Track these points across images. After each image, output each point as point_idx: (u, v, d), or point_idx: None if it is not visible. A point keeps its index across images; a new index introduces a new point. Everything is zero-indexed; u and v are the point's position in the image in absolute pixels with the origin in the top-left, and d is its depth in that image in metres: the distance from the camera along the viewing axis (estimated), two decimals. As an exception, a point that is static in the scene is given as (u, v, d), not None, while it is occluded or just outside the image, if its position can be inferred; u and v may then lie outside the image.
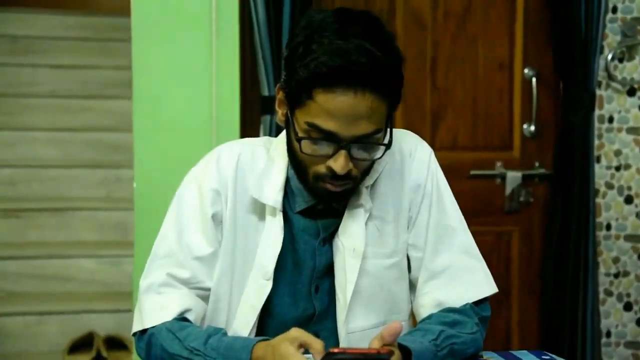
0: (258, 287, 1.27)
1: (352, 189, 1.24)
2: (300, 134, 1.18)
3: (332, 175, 1.19)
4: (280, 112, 1.26)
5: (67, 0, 4.57)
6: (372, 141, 1.18)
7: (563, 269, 2.56)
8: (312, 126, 1.16)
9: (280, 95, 1.25)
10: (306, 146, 1.18)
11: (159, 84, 2.31)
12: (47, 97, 3.84)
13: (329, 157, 1.18)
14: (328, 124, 1.15)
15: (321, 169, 1.20)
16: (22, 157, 3.63)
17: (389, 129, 1.21)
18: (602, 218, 2.69)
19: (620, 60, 2.68)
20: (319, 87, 1.13)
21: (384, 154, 1.21)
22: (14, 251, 3.24)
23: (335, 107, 1.13)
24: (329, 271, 1.31)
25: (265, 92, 2.34)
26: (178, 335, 1.20)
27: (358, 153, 1.18)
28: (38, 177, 3.52)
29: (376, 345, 1.07)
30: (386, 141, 1.20)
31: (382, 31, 1.17)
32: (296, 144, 1.19)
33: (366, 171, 1.25)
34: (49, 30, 4.13)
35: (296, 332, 1.08)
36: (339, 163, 1.17)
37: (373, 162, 1.24)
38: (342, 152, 1.16)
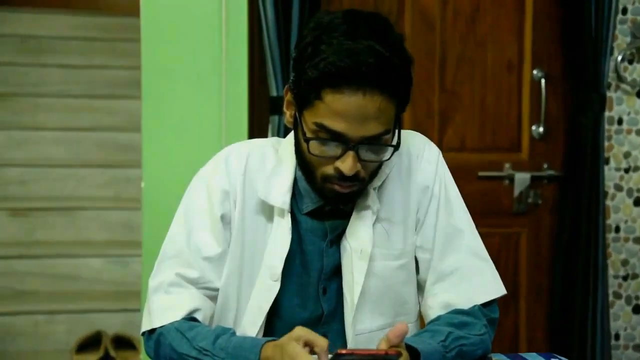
0: (266, 288, 1.27)
1: (359, 190, 1.24)
2: (309, 135, 1.18)
3: (340, 176, 1.19)
4: (288, 114, 1.26)
5: (76, 0, 4.59)
6: (381, 142, 1.18)
7: (573, 271, 2.55)
8: (321, 127, 1.16)
9: (288, 97, 1.25)
10: (314, 147, 1.18)
11: (168, 84, 2.31)
12: (56, 96, 3.85)
13: (337, 158, 1.18)
14: (336, 125, 1.15)
15: (329, 170, 1.20)
16: (31, 157, 3.65)
17: (397, 130, 1.21)
18: (611, 220, 2.68)
19: (630, 62, 2.67)
20: (328, 88, 1.13)
21: (392, 155, 1.21)
22: (22, 250, 3.26)
23: (343, 108, 1.13)
24: (336, 272, 1.31)
25: (274, 93, 2.34)
26: (187, 335, 1.20)
27: (366, 155, 1.18)
28: (47, 176, 3.54)
29: (384, 346, 1.07)
30: (394, 142, 1.20)
31: (391, 32, 1.18)
32: (304, 145, 1.19)
33: (374, 173, 1.25)
34: (58, 30, 4.15)
35: (300, 331, 1.08)
36: (346, 164, 1.17)
37: (381, 163, 1.24)
38: (350, 153, 1.16)
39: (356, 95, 1.13)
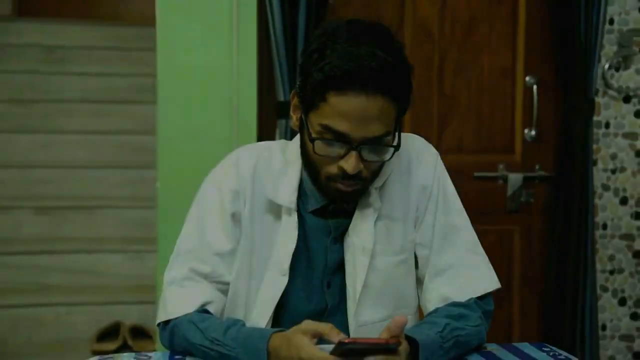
0: (274, 282, 1.27)
1: (362, 189, 1.24)
2: (314, 135, 1.18)
3: (344, 175, 1.19)
4: (294, 117, 1.26)
5: (97, 11, 4.59)
6: (382, 143, 1.18)
7: (563, 266, 2.54)
8: (325, 127, 1.16)
9: (294, 101, 1.25)
10: (319, 147, 1.18)
11: (182, 89, 2.31)
12: (78, 102, 3.86)
13: (341, 157, 1.18)
14: (340, 125, 1.15)
15: (333, 169, 1.19)
16: (54, 159, 3.65)
17: (398, 132, 1.21)
18: (599, 218, 2.67)
19: (617, 69, 2.66)
20: (332, 90, 1.13)
21: (392, 155, 1.21)
22: (46, 246, 3.26)
23: (347, 109, 1.13)
24: (340, 268, 1.30)
25: (281, 98, 2.34)
26: (199, 326, 1.20)
27: (368, 155, 1.18)
28: (69, 177, 3.55)
29: (385, 336, 1.06)
30: (395, 143, 1.20)
31: (392, 40, 1.18)
32: (310, 145, 1.19)
33: (375, 173, 1.25)
34: (79, 40, 4.15)
35: (307, 324, 1.08)
36: (350, 163, 1.16)
37: (382, 163, 1.24)
38: (353, 153, 1.16)
39: (359, 97, 1.12)
